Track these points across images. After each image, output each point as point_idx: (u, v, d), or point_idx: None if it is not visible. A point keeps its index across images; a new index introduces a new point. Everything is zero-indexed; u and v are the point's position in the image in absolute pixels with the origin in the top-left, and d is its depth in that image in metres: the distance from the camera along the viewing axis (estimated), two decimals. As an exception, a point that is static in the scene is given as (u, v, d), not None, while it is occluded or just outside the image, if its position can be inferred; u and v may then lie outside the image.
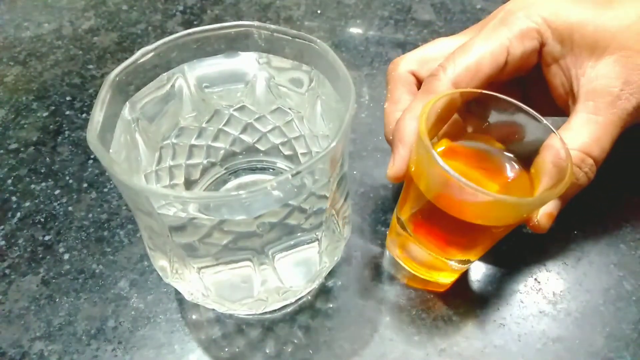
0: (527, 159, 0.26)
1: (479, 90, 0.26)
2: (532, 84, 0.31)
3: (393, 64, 0.32)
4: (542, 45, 0.28)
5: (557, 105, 0.30)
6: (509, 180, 0.26)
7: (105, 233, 0.33)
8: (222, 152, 0.29)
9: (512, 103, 0.25)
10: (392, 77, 0.31)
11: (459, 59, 0.28)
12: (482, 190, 0.21)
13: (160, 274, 0.25)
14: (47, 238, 0.33)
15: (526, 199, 0.23)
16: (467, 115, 0.28)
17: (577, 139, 0.26)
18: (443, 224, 0.26)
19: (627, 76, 0.27)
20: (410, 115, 0.27)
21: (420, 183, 0.25)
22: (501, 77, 0.29)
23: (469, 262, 0.28)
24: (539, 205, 0.25)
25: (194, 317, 0.29)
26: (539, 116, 0.25)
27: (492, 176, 0.26)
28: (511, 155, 0.27)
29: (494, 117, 0.27)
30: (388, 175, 0.27)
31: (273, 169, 0.30)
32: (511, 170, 0.26)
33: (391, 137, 0.29)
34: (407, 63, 0.31)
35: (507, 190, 0.25)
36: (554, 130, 0.24)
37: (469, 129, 0.28)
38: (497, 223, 0.24)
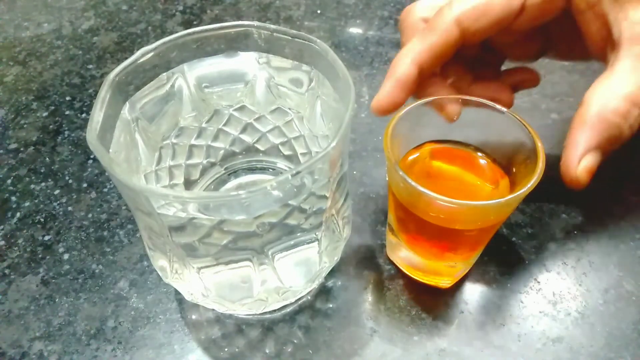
0: (508, 159, 0.26)
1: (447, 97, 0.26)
2: (558, 29, 0.29)
3: (405, 12, 0.30)
4: None
5: (584, 52, 0.28)
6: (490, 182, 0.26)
7: (105, 233, 0.33)
8: (221, 152, 0.29)
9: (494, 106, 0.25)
10: (405, 26, 0.29)
11: None
12: (440, 198, 0.21)
13: (160, 274, 0.25)
14: (46, 238, 0.33)
15: (489, 202, 0.22)
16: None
17: (623, 87, 0.24)
18: (423, 229, 0.26)
19: None
20: (407, 52, 0.26)
21: (394, 190, 0.25)
22: (520, 24, 0.26)
23: (461, 265, 0.28)
24: (505, 207, 0.23)
25: (193, 317, 0.28)
26: (515, 115, 0.24)
27: (482, 178, 0.26)
28: (494, 158, 0.26)
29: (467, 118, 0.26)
30: (371, 107, 0.26)
31: (273, 169, 0.30)
32: (493, 171, 0.26)
33: None
34: (419, 10, 0.29)
35: (494, 193, 0.25)
36: (527, 126, 0.24)
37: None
38: (471, 227, 0.24)
